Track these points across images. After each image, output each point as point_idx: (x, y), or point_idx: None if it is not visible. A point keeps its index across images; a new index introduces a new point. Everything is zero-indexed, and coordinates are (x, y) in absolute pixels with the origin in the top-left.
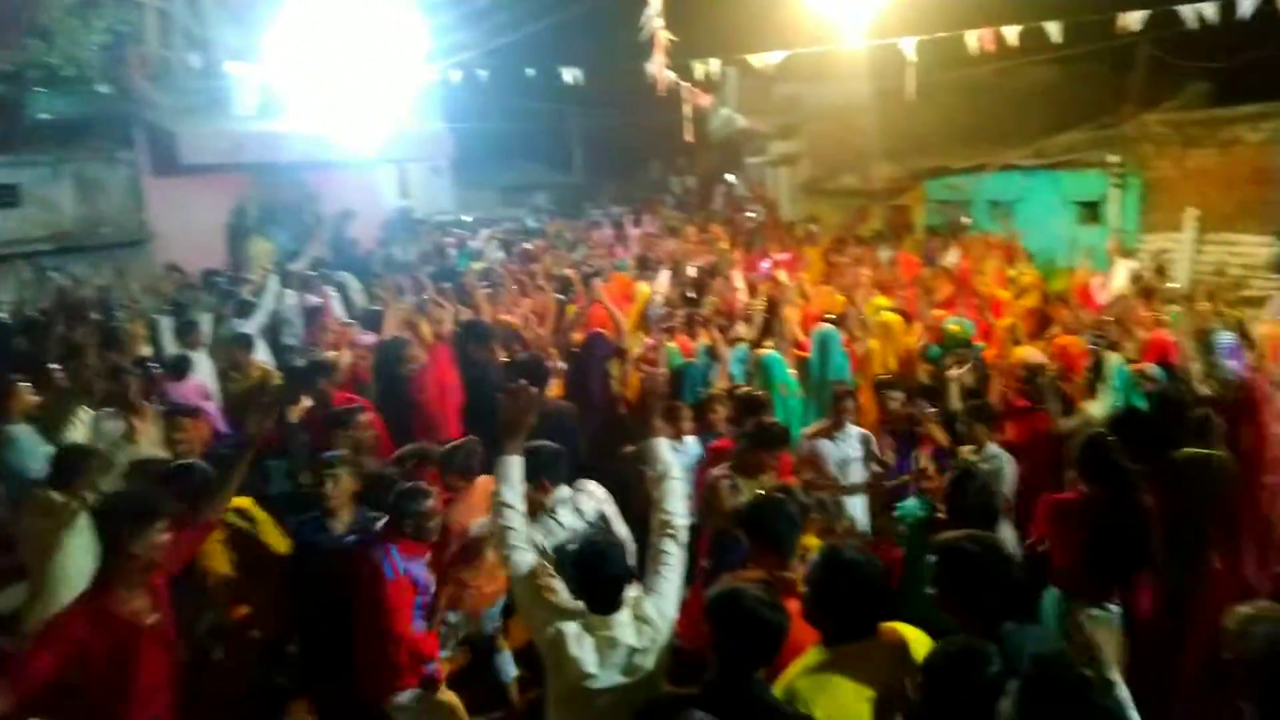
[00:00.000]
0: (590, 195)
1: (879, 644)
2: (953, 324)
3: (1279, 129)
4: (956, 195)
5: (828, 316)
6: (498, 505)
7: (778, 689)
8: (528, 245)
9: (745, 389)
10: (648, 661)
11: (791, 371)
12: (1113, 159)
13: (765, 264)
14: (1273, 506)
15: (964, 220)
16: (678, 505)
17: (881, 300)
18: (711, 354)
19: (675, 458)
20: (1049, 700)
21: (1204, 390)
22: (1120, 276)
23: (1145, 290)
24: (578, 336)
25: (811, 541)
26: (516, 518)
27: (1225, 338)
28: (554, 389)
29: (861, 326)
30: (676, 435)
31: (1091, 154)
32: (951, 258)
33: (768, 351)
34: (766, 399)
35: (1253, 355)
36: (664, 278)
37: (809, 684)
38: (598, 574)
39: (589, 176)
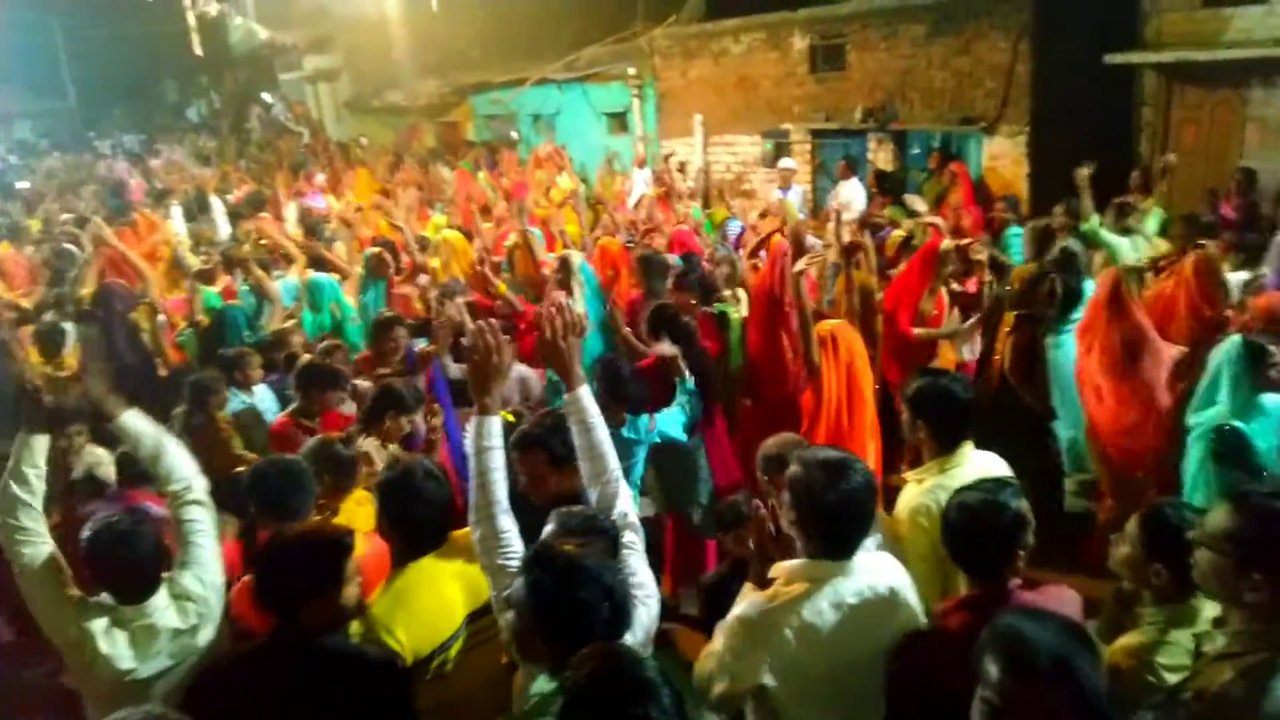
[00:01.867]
0: (92, 123)
1: (455, 547)
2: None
3: (756, 41)
4: (502, 110)
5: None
6: (7, 479)
7: (356, 627)
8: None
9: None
10: (200, 639)
11: (350, 299)
12: (631, 72)
13: (315, 194)
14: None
15: (513, 135)
16: (185, 469)
17: (440, 219)
18: (259, 293)
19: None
20: None
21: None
22: (642, 181)
23: (667, 191)
24: (86, 292)
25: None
26: (33, 498)
27: (734, 225)
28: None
29: (422, 247)
30: (245, 385)
31: (614, 67)
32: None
33: (315, 275)
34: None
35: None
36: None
37: (384, 608)
38: (117, 562)
39: (86, 101)
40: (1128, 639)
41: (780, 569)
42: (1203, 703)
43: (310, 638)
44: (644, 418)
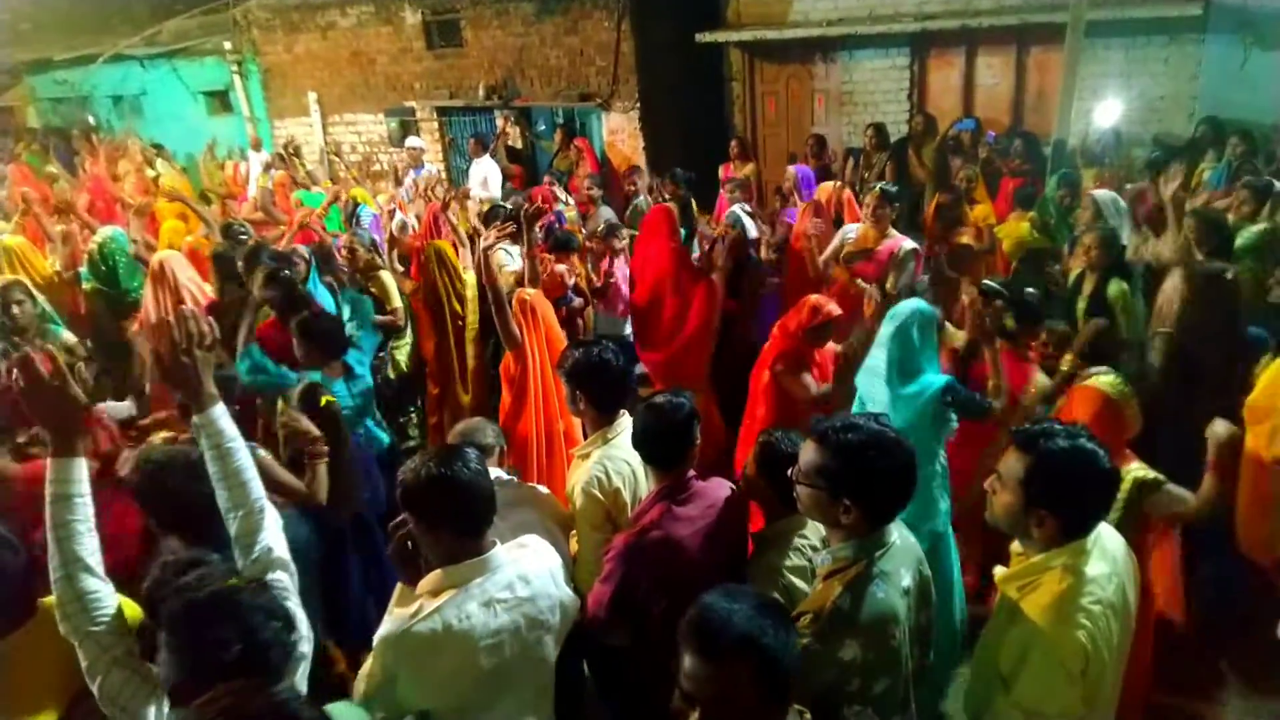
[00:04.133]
0: None
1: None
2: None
3: (365, 14)
4: (71, 91)
5: None
6: None
7: None
8: None
9: None
10: None
11: None
12: (228, 46)
13: None
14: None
15: (89, 120)
16: None
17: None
18: None
19: None
20: None
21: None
22: (255, 167)
23: (284, 178)
24: None
25: None
26: None
27: (366, 213)
28: None
29: None
30: None
31: (207, 42)
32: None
33: None
34: None
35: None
36: None
37: None
38: None
39: None
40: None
41: (424, 582)
42: (821, 620)
43: None
44: None
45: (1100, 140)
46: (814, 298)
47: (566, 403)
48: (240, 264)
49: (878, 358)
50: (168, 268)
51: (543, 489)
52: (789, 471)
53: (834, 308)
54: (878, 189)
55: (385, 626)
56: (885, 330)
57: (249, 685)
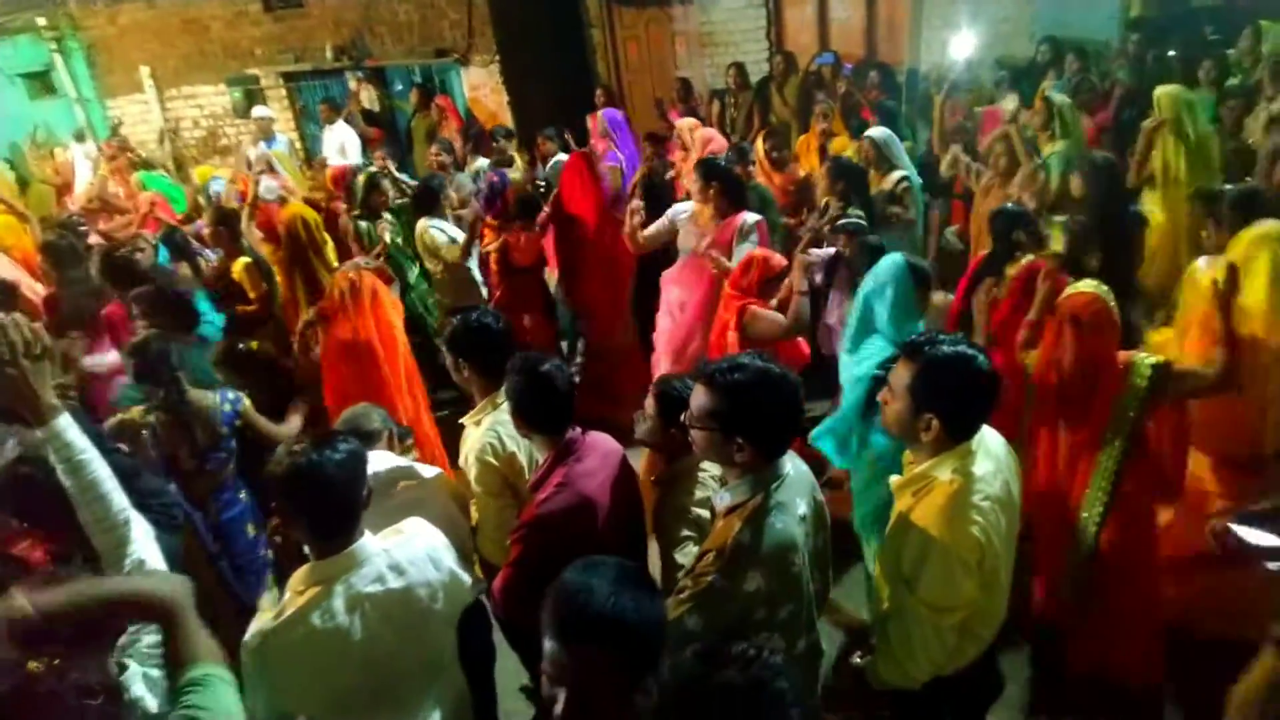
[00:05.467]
0: None
1: None
2: None
3: None
4: None
5: None
6: None
7: None
8: None
9: None
10: None
11: None
12: (42, 22)
13: None
14: None
15: None
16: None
17: None
18: None
19: None
20: None
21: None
22: (83, 156)
23: (126, 163)
24: None
25: None
26: None
27: (217, 183)
28: None
29: None
30: None
31: (16, 18)
32: None
33: None
34: None
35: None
36: None
37: None
38: None
39: None
40: None
41: (293, 579)
42: (724, 556)
43: None
44: None
45: (949, 66)
46: (757, 252)
47: (451, 372)
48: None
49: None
50: None
51: (429, 470)
52: (682, 416)
53: (779, 259)
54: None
55: (249, 631)
56: (862, 289)
57: None
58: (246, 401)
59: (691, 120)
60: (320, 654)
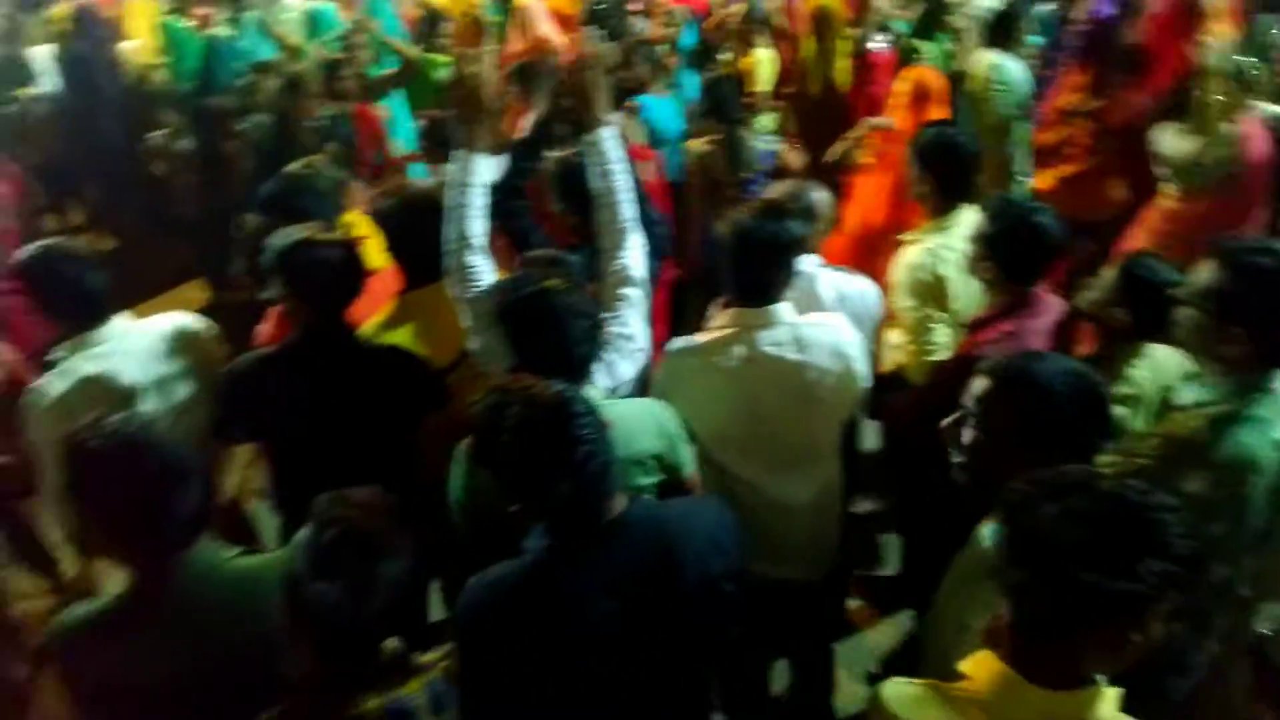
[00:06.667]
0: None
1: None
2: None
3: None
4: None
5: None
6: None
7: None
8: None
9: None
10: None
11: None
12: None
13: None
14: None
15: None
16: None
17: None
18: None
19: None
20: None
21: None
22: None
23: None
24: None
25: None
26: None
27: None
28: None
29: None
30: None
31: None
32: None
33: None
34: None
35: None
36: None
37: (396, 325)
38: None
39: None
40: None
41: (719, 316)
42: (1171, 445)
43: (349, 336)
44: None
45: None
46: None
47: (911, 183)
48: None
49: None
50: None
51: None
52: (1160, 293)
53: None
54: None
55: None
56: None
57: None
58: None
59: None
60: (705, 387)
